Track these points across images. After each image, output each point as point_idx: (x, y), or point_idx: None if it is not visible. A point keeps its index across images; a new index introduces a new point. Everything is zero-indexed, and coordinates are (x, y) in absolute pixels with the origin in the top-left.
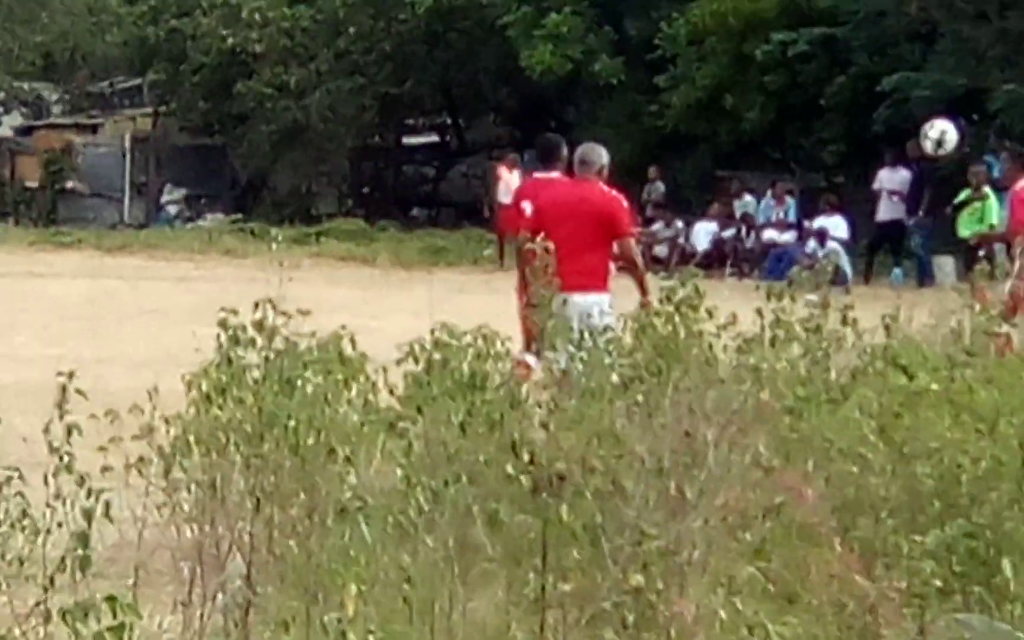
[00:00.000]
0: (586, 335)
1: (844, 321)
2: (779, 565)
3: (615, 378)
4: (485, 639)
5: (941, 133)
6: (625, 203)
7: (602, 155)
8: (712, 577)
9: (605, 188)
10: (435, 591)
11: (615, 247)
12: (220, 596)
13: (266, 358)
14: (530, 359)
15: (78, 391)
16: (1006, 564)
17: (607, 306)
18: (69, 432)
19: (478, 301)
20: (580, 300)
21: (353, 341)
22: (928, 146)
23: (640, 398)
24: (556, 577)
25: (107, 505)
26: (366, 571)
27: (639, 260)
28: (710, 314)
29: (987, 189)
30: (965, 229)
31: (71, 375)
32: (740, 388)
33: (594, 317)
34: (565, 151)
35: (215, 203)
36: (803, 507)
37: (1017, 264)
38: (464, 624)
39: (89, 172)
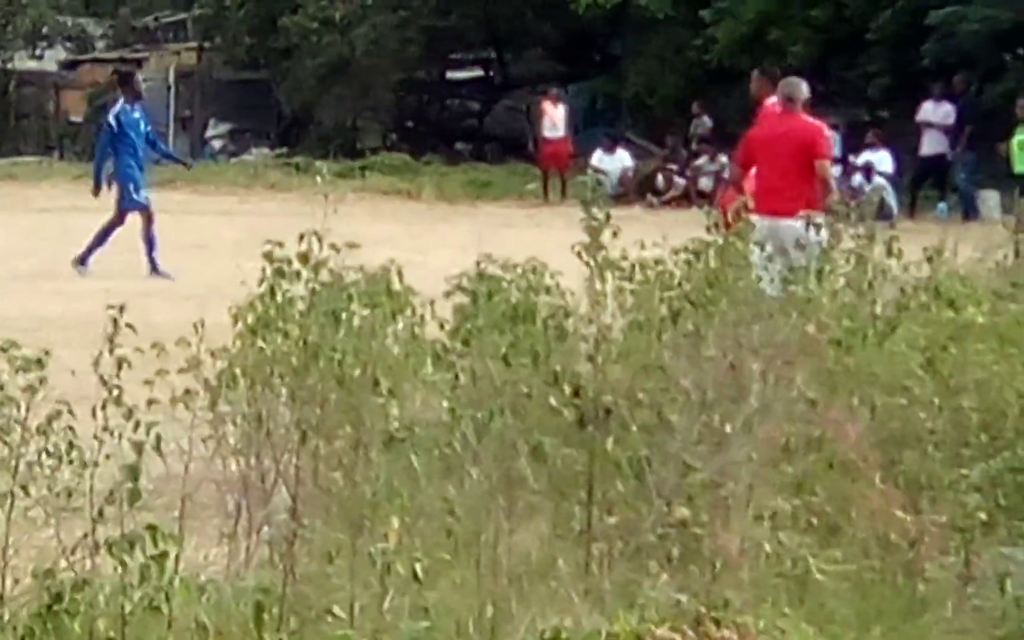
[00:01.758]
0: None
1: (890, 253)
2: (822, 499)
3: (663, 310)
4: (530, 572)
5: None
6: (826, 131)
7: (804, 90)
8: (756, 510)
9: (808, 119)
10: (480, 524)
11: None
12: (265, 528)
13: (312, 291)
14: None
15: (127, 325)
16: None
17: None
18: (119, 365)
19: (523, 235)
20: (791, 224)
21: (400, 274)
22: None
23: (687, 331)
24: (601, 510)
25: (157, 438)
26: (411, 503)
27: (832, 182)
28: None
29: None
30: (1021, 165)
31: (122, 308)
32: (785, 320)
33: (804, 239)
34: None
35: (260, 138)
36: (846, 441)
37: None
38: (509, 557)
39: None
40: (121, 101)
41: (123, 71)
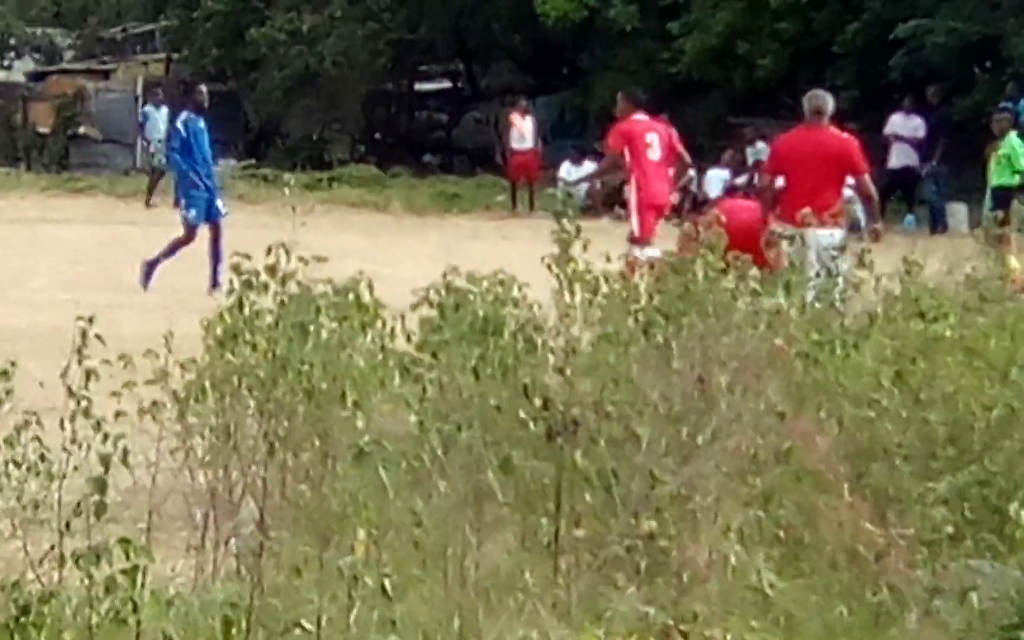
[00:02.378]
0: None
1: (862, 264)
2: (789, 511)
3: (631, 323)
4: (498, 584)
5: None
6: (857, 144)
7: (831, 102)
8: (723, 523)
9: (838, 132)
10: (448, 536)
11: (853, 184)
12: (233, 540)
13: (280, 303)
14: None
15: (96, 336)
16: (1018, 510)
17: (841, 240)
18: (87, 377)
19: (491, 247)
20: (820, 235)
21: (371, 286)
22: None
23: (655, 343)
24: (569, 522)
25: (125, 451)
26: (378, 516)
27: (875, 193)
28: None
29: (1012, 135)
30: (998, 179)
31: (91, 320)
32: (753, 333)
33: (831, 250)
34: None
35: (227, 149)
36: (814, 453)
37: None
38: (476, 569)
39: (101, 118)
40: (187, 110)
41: (188, 81)
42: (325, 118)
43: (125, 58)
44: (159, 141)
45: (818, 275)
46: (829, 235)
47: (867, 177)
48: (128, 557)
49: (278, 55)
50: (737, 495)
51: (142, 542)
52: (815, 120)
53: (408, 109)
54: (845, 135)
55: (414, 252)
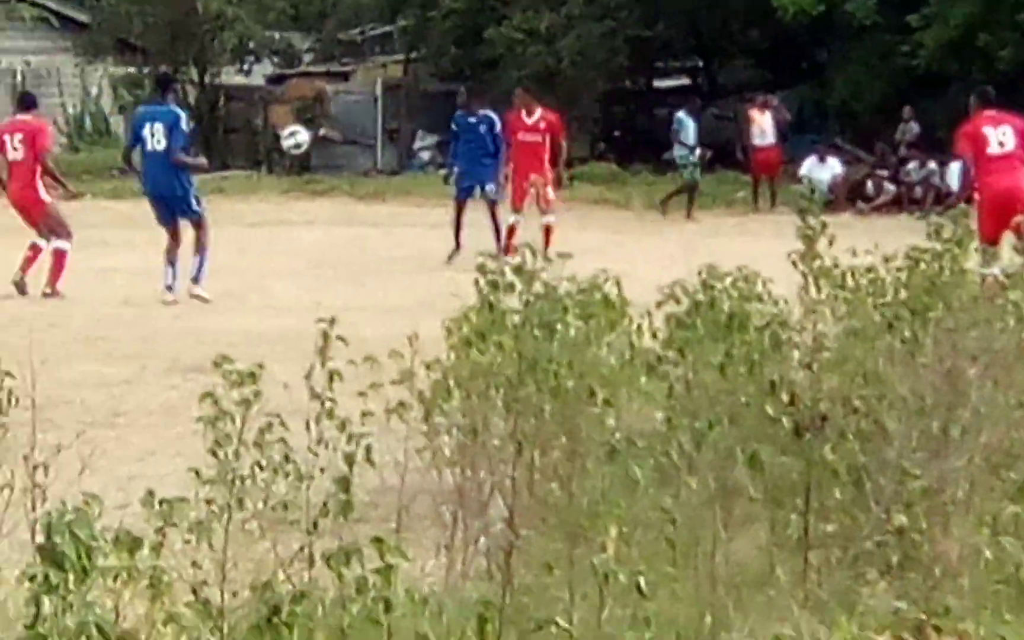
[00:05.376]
0: None
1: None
2: None
3: (878, 318)
4: (748, 580)
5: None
6: None
7: None
8: (976, 516)
9: None
10: (698, 532)
11: None
12: (482, 540)
13: (526, 302)
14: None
15: (338, 338)
16: None
17: None
18: (331, 378)
19: (733, 243)
20: None
21: (618, 284)
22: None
23: (902, 338)
24: (818, 518)
25: (368, 450)
26: (628, 513)
27: None
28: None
29: None
30: None
31: (332, 322)
32: (1004, 326)
33: None
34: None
35: None
36: None
37: None
38: (727, 565)
39: (341, 119)
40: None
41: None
42: (564, 117)
43: (364, 60)
44: (692, 149)
45: None
46: None
47: None
48: (382, 557)
49: (515, 54)
50: (990, 488)
51: (393, 541)
52: None
53: (647, 106)
54: None
55: (654, 249)
